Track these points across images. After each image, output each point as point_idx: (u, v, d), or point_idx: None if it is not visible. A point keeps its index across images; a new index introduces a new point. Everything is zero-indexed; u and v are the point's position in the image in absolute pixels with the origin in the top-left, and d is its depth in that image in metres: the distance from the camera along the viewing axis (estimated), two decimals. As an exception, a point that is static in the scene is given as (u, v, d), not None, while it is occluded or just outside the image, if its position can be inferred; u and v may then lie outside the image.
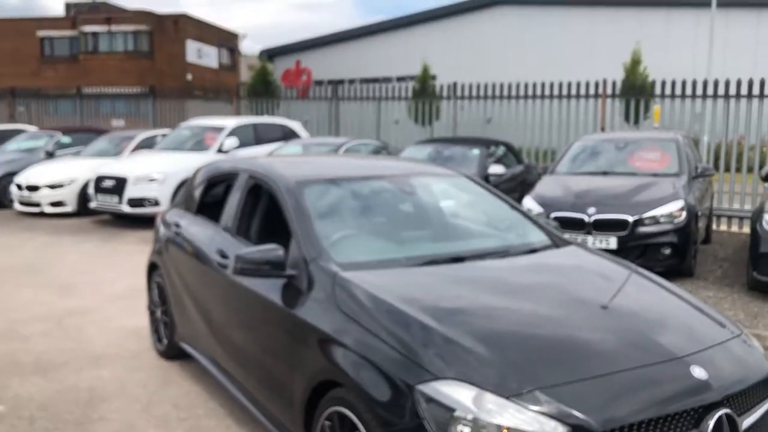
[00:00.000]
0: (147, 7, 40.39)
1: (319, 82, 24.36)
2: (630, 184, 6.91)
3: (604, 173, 7.42)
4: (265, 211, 3.65)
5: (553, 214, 6.29)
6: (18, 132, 14.78)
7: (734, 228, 9.49)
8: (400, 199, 3.73)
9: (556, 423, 2.04)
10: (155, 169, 10.08)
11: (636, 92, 11.77)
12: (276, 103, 16.27)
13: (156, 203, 9.75)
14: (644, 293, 2.99)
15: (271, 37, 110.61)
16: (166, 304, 4.45)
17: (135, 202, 9.86)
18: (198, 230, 4.09)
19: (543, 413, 2.06)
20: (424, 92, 15.92)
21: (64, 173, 11.04)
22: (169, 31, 33.77)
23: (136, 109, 18.26)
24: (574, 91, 11.41)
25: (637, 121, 11.35)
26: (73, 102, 18.98)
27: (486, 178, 8.82)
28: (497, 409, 2.08)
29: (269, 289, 3.03)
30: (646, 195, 6.58)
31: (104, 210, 10.28)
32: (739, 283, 6.39)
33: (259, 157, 7.62)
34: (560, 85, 11.53)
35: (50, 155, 12.78)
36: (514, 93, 12.04)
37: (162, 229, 4.65)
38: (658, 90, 10.58)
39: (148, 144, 12.20)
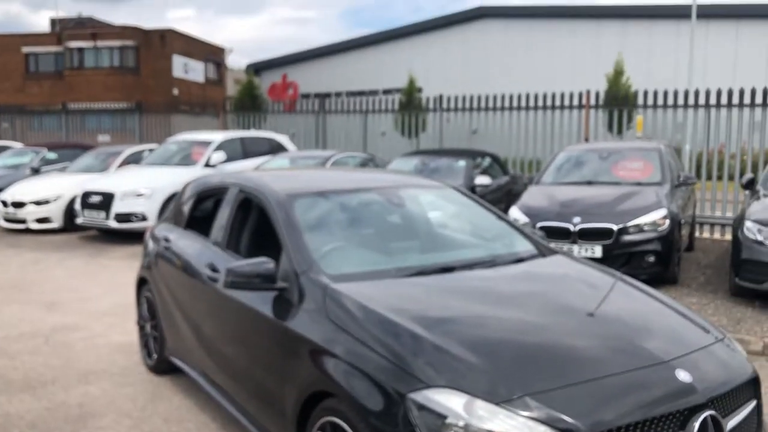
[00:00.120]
0: (133, 23, 40.35)
1: (306, 96, 24.48)
2: (614, 193, 6.99)
3: (589, 183, 7.52)
4: (255, 225, 3.67)
5: (539, 224, 6.36)
6: (3, 148, 14.70)
7: (716, 235, 9.62)
8: (388, 211, 3.76)
9: (545, 428, 2.09)
10: (142, 184, 10.06)
11: (619, 103, 11.93)
12: (263, 117, 16.33)
13: (143, 218, 9.72)
14: (629, 300, 3.04)
15: (257, 51, 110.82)
16: (155, 319, 4.45)
17: (122, 218, 9.82)
18: (188, 244, 4.10)
19: (533, 418, 2.10)
20: (411, 104, 16.07)
21: (49, 189, 10.97)
22: (156, 46, 33.75)
23: (122, 124, 18.20)
24: (558, 102, 11.54)
25: (620, 131, 11.49)
26: (59, 117, 18.88)
27: (473, 189, 8.90)
28: (488, 415, 2.12)
29: (260, 301, 3.06)
30: (630, 204, 6.67)
31: (91, 226, 10.24)
32: (722, 289, 6.48)
33: (248, 171, 7.63)
34: (544, 97, 11.67)
35: (36, 171, 12.69)
36: (499, 104, 12.16)
37: (151, 244, 4.65)
38: (640, 100, 10.73)
39: (134, 159, 12.17)
